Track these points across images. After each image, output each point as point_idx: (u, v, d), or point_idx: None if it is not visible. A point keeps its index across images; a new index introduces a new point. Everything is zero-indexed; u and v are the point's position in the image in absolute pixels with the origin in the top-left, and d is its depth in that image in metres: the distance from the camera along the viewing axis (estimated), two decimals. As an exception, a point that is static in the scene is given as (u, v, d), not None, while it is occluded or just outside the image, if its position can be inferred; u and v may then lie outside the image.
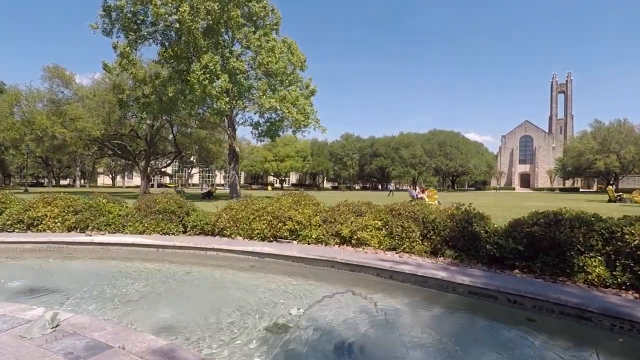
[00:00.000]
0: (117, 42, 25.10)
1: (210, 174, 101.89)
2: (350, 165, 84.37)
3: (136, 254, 6.93)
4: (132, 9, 24.05)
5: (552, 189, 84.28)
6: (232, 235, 8.01)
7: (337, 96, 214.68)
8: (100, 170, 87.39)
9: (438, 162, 77.46)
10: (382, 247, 7.00)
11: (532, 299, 4.32)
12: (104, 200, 8.99)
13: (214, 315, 4.27)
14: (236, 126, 29.20)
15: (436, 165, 78.27)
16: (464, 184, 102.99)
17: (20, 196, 10.40)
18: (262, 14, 25.37)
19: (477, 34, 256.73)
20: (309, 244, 7.43)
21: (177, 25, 22.69)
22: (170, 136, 40.99)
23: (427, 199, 23.73)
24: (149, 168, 41.20)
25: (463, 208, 7.01)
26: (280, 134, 30.26)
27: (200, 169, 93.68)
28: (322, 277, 5.84)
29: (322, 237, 7.41)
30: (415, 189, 27.73)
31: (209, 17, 23.31)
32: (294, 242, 7.60)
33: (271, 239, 7.76)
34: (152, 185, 63.94)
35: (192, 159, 58.60)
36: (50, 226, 8.32)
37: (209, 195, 28.88)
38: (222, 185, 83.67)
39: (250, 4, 24.54)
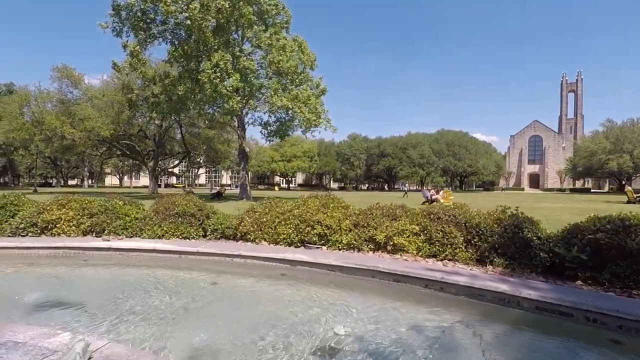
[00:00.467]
0: (127, 41, 24.79)
1: (217, 174, 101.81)
2: (358, 165, 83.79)
3: (157, 261, 6.48)
4: (141, 7, 23.71)
5: (562, 190, 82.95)
6: (257, 240, 7.53)
7: (344, 96, 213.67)
8: (107, 170, 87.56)
9: (446, 162, 76.61)
10: (420, 253, 6.48)
11: (617, 317, 3.78)
12: (120, 203, 8.55)
13: (255, 336, 3.79)
14: (246, 126, 28.79)
15: (444, 166, 77.44)
16: (472, 184, 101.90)
17: (29, 196, 10.02)
18: (273, 12, 24.95)
19: (484, 33, 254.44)
20: (339, 249, 6.94)
21: (188, 22, 22.30)
22: (179, 136, 40.72)
23: (442, 200, 23.15)
24: (157, 168, 40.98)
25: (509, 211, 6.49)
26: (290, 133, 29.84)
27: (207, 169, 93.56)
28: (364, 288, 5.34)
29: (354, 242, 6.92)
30: (430, 190, 27.11)
31: (219, 15, 22.92)
32: (324, 247, 7.11)
33: (298, 244, 7.27)
34: (160, 186, 63.85)
35: (199, 159, 58.38)
36: (65, 230, 7.90)
37: (218, 196, 28.45)
38: (229, 185, 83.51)
39: (261, 1, 24.13)
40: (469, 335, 4.07)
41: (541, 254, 5.55)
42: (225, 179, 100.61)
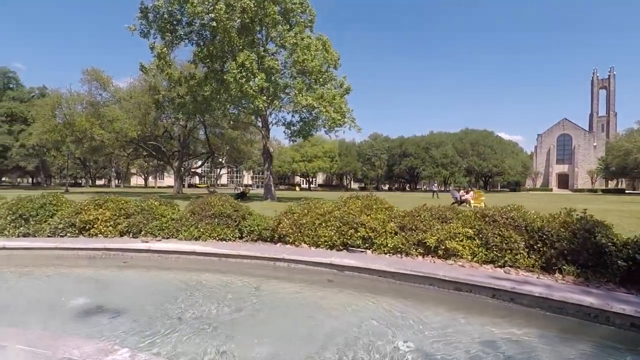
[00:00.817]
0: (154, 43, 25.12)
1: (239, 175, 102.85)
2: (379, 165, 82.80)
3: (198, 264, 6.25)
4: (168, 9, 23.95)
5: (593, 190, 79.41)
6: (296, 243, 7.22)
7: (365, 95, 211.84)
8: (133, 170, 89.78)
9: (471, 162, 74.70)
10: (476, 259, 6.00)
11: None
12: (155, 203, 8.41)
13: (310, 351, 3.45)
14: (270, 126, 28.70)
15: (468, 165, 75.53)
16: (497, 185, 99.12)
17: (58, 195, 10.01)
18: (299, 10, 24.74)
19: (507, 30, 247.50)
20: (385, 253, 6.53)
21: (214, 23, 22.34)
22: (203, 137, 41.13)
23: (472, 201, 22.30)
24: (181, 169, 41.53)
25: (575, 214, 5.92)
26: (313, 133, 29.56)
27: (229, 170, 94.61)
28: (422, 297, 4.92)
29: (401, 246, 6.49)
30: (459, 190, 26.22)
31: (244, 15, 22.89)
32: (368, 251, 6.71)
33: (340, 247, 6.91)
34: (183, 186, 64.88)
35: (221, 159, 58.96)
36: (102, 230, 7.81)
37: (242, 196, 28.39)
38: (250, 185, 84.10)
39: (287, 0, 23.98)
40: (552, 354, 3.61)
41: (618, 261, 5.00)
42: (247, 179, 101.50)
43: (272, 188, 28.01)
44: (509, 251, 5.78)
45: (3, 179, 77.66)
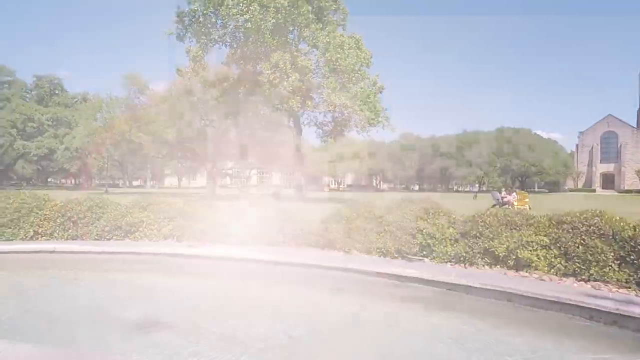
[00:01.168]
0: (190, 46, 25.53)
1: (268, 175, 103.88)
2: (409, 165, 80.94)
3: (249, 271, 5.94)
4: (203, 12, 24.25)
5: (643, 191, 73.96)
6: (346, 249, 6.79)
7: (394, 94, 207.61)
8: (167, 172, 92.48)
9: (507, 162, 71.58)
10: (553, 271, 5.35)
11: None
12: (197, 205, 8.25)
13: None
14: (302, 127, 28.51)
15: (504, 165, 72.39)
16: (533, 185, 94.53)
17: (102, 197, 10.06)
18: (333, 8, 24.39)
19: (542, 25, 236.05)
20: (446, 262, 6.00)
21: (248, 25, 22.36)
22: (235, 138, 41.57)
23: (515, 204, 21.05)
24: (214, 170, 42.14)
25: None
26: (345, 133, 29.12)
27: (259, 171, 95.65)
28: (502, 315, 4.35)
29: (463, 254, 5.93)
30: (501, 192, 24.89)
31: (278, 15, 22.79)
32: (426, 259, 6.19)
33: (395, 254, 6.41)
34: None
35: (251, 160, 59.49)
36: (147, 233, 7.71)
37: (275, 197, 28.30)
38: (277, 186, 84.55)
39: (320, -2, 23.70)
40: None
41: None
42: (276, 179, 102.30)
43: (304, 189, 27.78)
44: (595, 263, 5.10)
45: (49, 180, 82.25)
